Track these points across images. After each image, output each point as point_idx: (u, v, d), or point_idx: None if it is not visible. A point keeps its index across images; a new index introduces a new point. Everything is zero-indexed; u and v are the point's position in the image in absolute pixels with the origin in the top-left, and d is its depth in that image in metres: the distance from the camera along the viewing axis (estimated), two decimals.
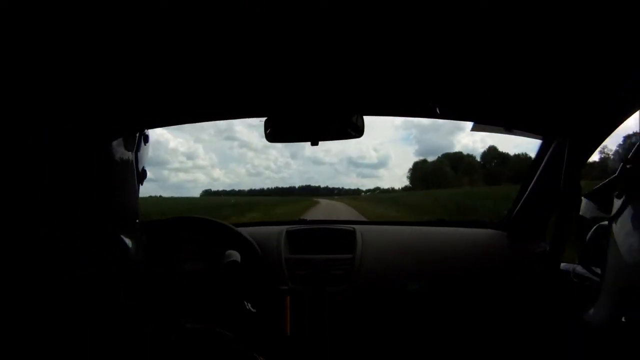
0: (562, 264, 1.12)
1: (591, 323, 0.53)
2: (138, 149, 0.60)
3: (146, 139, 0.65)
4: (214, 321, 0.84)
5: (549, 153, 1.18)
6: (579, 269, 1.02)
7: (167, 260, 1.20)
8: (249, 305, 1.01)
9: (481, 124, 1.20)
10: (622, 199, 0.51)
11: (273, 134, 1.11)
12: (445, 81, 0.94)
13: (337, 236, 1.40)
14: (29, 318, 0.41)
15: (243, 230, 1.27)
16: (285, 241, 1.36)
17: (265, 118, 1.11)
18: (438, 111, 1.08)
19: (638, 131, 0.92)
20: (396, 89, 1.01)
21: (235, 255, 1.10)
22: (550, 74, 0.85)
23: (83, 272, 0.46)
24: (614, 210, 0.52)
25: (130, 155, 0.58)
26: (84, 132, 0.54)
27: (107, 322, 0.46)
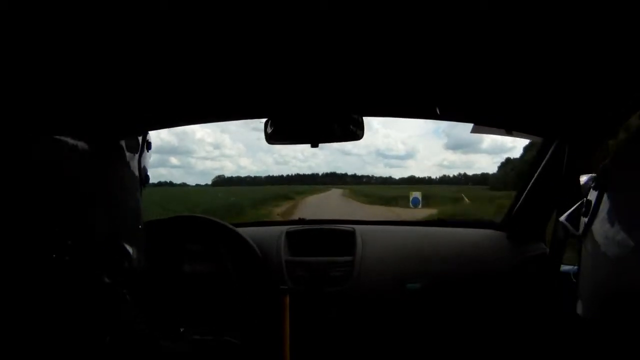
0: (562, 266, 1.12)
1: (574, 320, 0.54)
2: (141, 155, 0.60)
3: (149, 145, 0.64)
4: (213, 323, 0.84)
5: (549, 154, 1.18)
6: (579, 270, 1.02)
7: (166, 261, 1.20)
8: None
9: (481, 126, 1.21)
10: (596, 193, 0.52)
11: (273, 136, 1.11)
12: (446, 82, 0.94)
13: (337, 236, 1.40)
14: (31, 325, 0.41)
15: (242, 231, 1.27)
16: (285, 242, 1.35)
17: (266, 119, 1.11)
18: (438, 112, 1.08)
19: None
20: (396, 90, 1.01)
21: None
22: (551, 74, 0.85)
23: (86, 280, 0.46)
24: (591, 206, 0.53)
25: (134, 161, 0.58)
26: (83, 137, 0.53)
27: (112, 331, 0.45)
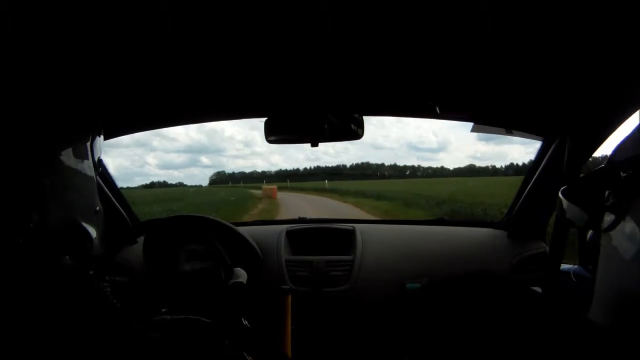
0: (562, 265, 1.12)
1: (589, 325, 0.51)
2: (93, 141, 0.61)
3: (100, 131, 0.65)
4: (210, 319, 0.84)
5: (549, 153, 1.18)
6: (579, 269, 1.02)
7: (166, 260, 1.20)
8: (246, 322, 1.00)
9: (481, 125, 1.21)
10: (621, 205, 0.46)
11: (273, 135, 1.11)
12: (446, 81, 0.94)
13: (337, 235, 1.40)
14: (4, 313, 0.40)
15: (243, 230, 1.27)
16: (285, 241, 1.36)
17: (266, 118, 1.11)
18: (438, 111, 1.08)
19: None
20: (396, 89, 1.01)
21: (242, 276, 1.07)
22: (551, 74, 0.85)
23: (49, 264, 0.45)
24: (611, 216, 0.48)
25: (85, 148, 0.58)
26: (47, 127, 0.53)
27: (80, 311, 0.44)
